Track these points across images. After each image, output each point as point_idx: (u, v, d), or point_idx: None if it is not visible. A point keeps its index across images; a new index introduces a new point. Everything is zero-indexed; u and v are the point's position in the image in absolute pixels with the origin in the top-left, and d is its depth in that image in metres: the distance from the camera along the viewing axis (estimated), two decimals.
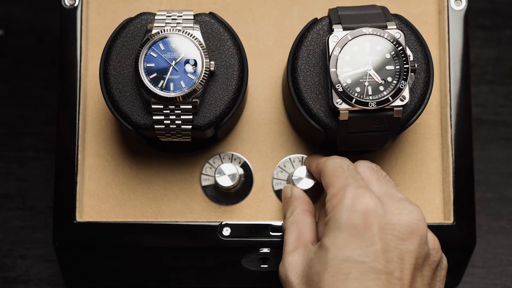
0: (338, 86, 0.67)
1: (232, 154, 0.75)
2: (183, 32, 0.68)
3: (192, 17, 0.69)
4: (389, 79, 0.68)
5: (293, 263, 0.65)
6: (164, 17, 0.69)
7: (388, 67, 0.68)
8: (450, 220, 0.74)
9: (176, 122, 0.68)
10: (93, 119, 0.76)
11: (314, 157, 0.72)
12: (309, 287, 0.63)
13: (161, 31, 0.68)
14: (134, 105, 0.69)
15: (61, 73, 0.75)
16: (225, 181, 0.73)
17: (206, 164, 0.75)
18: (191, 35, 0.68)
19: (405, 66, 0.67)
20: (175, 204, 0.75)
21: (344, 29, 0.68)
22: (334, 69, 0.68)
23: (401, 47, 0.68)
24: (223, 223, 0.73)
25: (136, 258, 0.76)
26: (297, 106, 0.70)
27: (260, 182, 0.75)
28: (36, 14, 0.92)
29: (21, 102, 0.90)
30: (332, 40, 0.68)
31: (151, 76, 0.68)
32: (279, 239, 0.73)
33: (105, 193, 0.75)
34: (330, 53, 0.68)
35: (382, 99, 0.67)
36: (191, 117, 0.68)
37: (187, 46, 0.68)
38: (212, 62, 0.68)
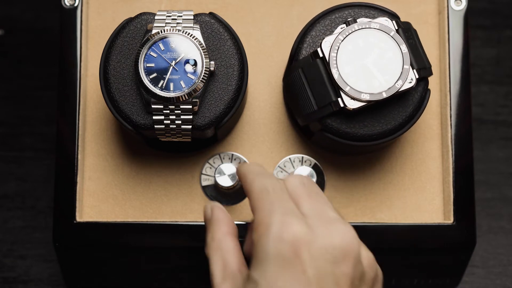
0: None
1: (232, 154, 0.75)
2: (183, 32, 0.68)
3: (192, 17, 0.69)
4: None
5: None
6: (164, 17, 0.69)
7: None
8: (450, 220, 0.74)
9: (176, 122, 0.68)
10: (93, 119, 0.76)
11: (243, 168, 0.66)
12: None
13: (161, 31, 0.68)
14: (134, 105, 0.69)
15: (61, 73, 0.75)
16: (225, 181, 0.73)
17: (206, 164, 0.75)
18: (191, 35, 0.68)
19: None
20: (175, 204, 0.75)
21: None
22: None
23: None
24: None
25: (136, 258, 0.76)
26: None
27: None
28: (36, 14, 0.92)
29: (21, 102, 0.90)
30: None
31: (151, 76, 0.68)
32: None
33: (105, 193, 0.75)
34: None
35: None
36: (191, 117, 0.68)
37: (187, 46, 0.68)
38: (212, 62, 0.68)
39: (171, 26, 0.68)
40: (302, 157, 0.76)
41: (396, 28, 0.69)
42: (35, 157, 0.89)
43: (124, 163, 0.76)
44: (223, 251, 0.64)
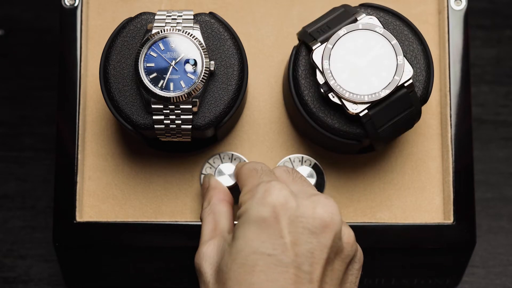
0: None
1: (232, 154, 0.75)
2: (183, 32, 0.68)
3: (192, 17, 0.69)
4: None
5: (207, 253, 0.65)
6: (164, 17, 0.69)
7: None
8: (450, 220, 0.74)
9: (176, 121, 0.68)
10: (93, 119, 0.76)
11: (238, 165, 0.70)
12: (218, 277, 0.63)
13: (161, 31, 0.68)
14: (134, 105, 0.69)
15: (61, 73, 0.75)
16: (225, 181, 0.73)
17: (206, 164, 0.75)
18: (191, 35, 0.68)
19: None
20: (175, 204, 0.75)
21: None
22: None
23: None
24: None
25: (136, 258, 0.76)
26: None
27: None
28: (36, 14, 0.92)
29: (21, 102, 0.90)
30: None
31: (151, 76, 0.68)
32: None
33: (105, 193, 0.75)
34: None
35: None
36: (191, 116, 0.68)
37: (187, 46, 0.68)
38: (212, 62, 0.68)
39: (171, 26, 0.68)
40: (302, 157, 0.76)
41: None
42: (35, 157, 0.89)
43: (124, 163, 0.76)
44: (215, 214, 0.68)
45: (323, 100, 0.70)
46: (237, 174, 0.68)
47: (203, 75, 0.68)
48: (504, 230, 0.88)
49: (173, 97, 0.67)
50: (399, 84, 0.68)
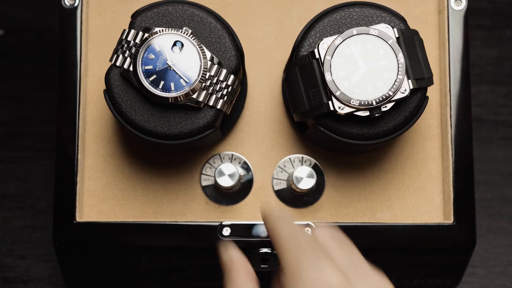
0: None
1: (232, 154, 0.75)
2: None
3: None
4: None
5: None
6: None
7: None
8: (450, 220, 0.74)
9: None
10: (93, 119, 0.76)
11: (266, 209, 0.62)
12: None
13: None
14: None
15: (61, 73, 0.75)
16: (225, 181, 0.73)
17: (206, 164, 0.75)
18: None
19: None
20: (175, 204, 0.75)
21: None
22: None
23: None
24: (223, 223, 0.73)
25: (136, 258, 0.76)
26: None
27: (260, 182, 0.75)
28: (36, 14, 0.92)
29: (21, 102, 0.90)
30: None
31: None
32: None
33: (105, 193, 0.75)
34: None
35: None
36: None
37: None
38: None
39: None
40: (302, 157, 0.76)
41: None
42: (35, 157, 0.89)
43: (124, 163, 0.76)
44: None
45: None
46: (271, 231, 0.60)
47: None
48: (504, 230, 0.88)
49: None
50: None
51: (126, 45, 0.68)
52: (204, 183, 0.75)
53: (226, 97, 0.68)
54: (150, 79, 0.68)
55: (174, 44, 0.68)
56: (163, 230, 0.73)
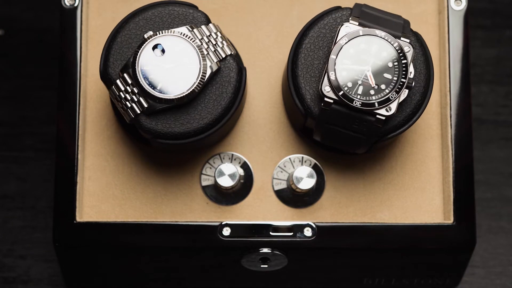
0: (332, 73, 0.67)
1: (232, 154, 0.75)
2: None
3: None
4: (383, 86, 0.68)
5: None
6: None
7: (386, 75, 0.68)
8: (450, 220, 0.74)
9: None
10: (93, 119, 0.76)
11: None
12: None
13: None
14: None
15: (61, 73, 0.75)
16: (225, 181, 0.73)
17: (206, 164, 0.75)
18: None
19: (402, 79, 0.68)
20: (175, 204, 0.75)
21: (360, 24, 0.68)
22: (334, 57, 0.68)
23: (405, 61, 0.68)
24: (223, 223, 0.73)
25: (136, 258, 0.76)
26: (289, 82, 0.70)
27: (260, 182, 0.75)
28: (36, 14, 0.92)
29: (21, 102, 0.90)
30: (344, 30, 0.68)
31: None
32: (279, 239, 0.73)
33: (105, 193, 0.75)
34: (336, 40, 0.68)
35: (369, 102, 0.67)
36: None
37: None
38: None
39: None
40: (302, 157, 0.76)
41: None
42: (35, 157, 0.89)
43: (124, 163, 0.76)
44: None
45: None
46: None
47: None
48: (504, 230, 0.88)
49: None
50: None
51: (124, 96, 0.69)
52: (204, 183, 0.75)
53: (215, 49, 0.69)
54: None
55: (155, 47, 0.68)
56: (163, 230, 0.73)
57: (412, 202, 0.75)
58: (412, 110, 0.70)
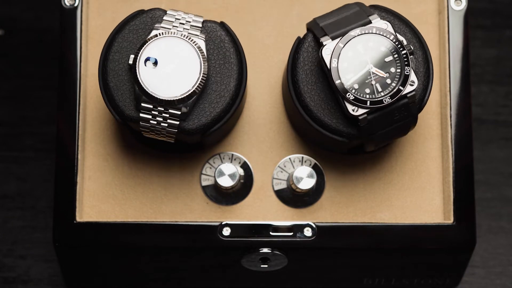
0: (349, 95, 0.67)
1: (232, 154, 0.76)
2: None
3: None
4: (392, 69, 0.68)
5: None
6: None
7: (387, 59, 0.68)
8: (450, 220, 0.74)
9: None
10: (93, 119, 0.76)
11: None
12: None
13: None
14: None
15: (61, 73, 0.75)
16: (225, 181, 0.73)
17: (206, 164, 0.75)
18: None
19: (402, 52, 0.68)
20: (175, 204, 0.75)
21: (332, 38, 0.68)
22: (339, 81, 0.68)
23: (392, 36, 0.68)
24: (223, 223, 0.73)
25: (136, 258, 0.76)
26: (314, 126, 0.70)
27: (260, 182, 0.75)
28: (36, 14, 0.92)
29: (21, 102, 0.90)
30: (326, 53, 0.68)
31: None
32: (279, 239, 0.73)
33: (105, 193, 0.75)
34: (328, 67, 0.68)
35: (394, 91, 0.67)
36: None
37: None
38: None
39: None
40: (302, 157, 0.76)
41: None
42: (35, 157, 0.89)
43: (124, 163, 0.76)
44: None
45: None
46: None
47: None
48: (504, 230, 0.88)
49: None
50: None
51: (156, 122, 0.68)
52: (204, 183, 0.75)
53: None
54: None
55: (147, 59, 0.68)
56: (163, 230, 0.73)
57: (412, 202, 0.75)
58: (424, 77, 0.71)
